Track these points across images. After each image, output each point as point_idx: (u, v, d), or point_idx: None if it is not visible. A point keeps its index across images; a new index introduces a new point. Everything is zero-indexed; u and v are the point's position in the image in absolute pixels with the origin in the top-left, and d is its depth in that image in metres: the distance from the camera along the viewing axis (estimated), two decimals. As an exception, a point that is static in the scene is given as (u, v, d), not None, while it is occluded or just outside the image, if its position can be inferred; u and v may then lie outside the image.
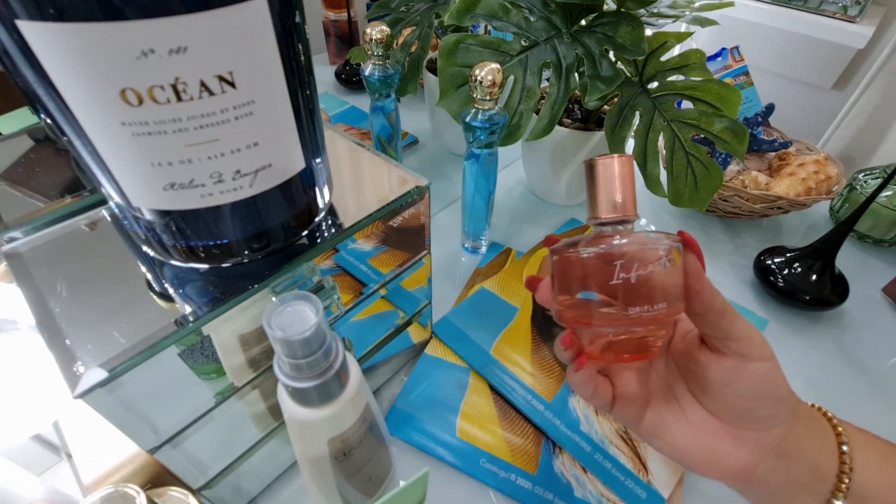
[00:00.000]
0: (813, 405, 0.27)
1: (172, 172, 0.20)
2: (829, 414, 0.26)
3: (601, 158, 0.24)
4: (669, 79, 0.48)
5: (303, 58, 0.22)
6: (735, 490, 0.26)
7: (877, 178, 0.61)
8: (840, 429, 0.25)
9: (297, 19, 0.21)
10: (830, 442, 0.25)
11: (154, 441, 0.26)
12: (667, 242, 0.22)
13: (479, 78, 0.41)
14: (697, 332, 0.26)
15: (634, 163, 0.25)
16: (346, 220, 0.30)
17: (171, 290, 0.25)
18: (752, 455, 0.24)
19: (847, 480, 0.24)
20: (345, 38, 0.89)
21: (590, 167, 0.24)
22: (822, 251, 0.51)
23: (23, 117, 0.33)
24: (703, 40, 1.15)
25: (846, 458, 0.24)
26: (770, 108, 0.63)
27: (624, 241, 0.22)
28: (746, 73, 0.65)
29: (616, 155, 0.23)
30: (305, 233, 0.28)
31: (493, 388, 0.44)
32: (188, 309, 0.24)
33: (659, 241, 0.22)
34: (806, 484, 0.24)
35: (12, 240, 0.28)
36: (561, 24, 0.47)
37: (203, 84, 0.18)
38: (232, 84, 0.19)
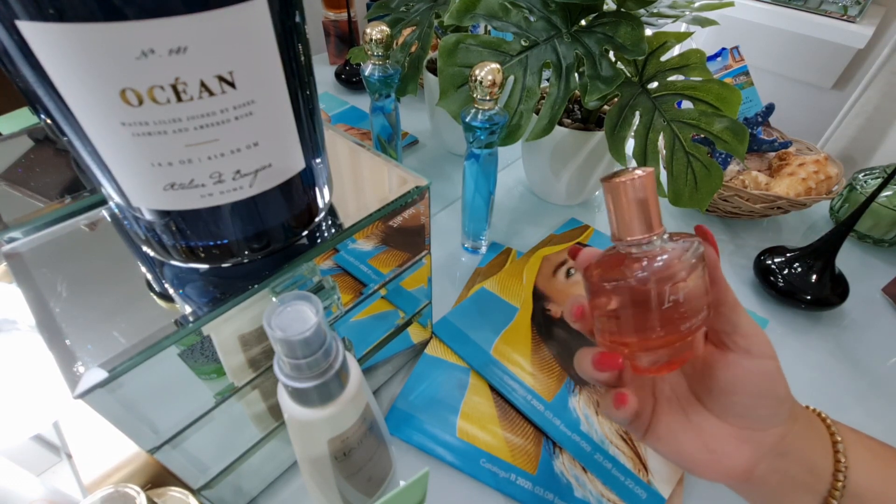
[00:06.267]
0: (807, 407, 0.27)
1: (172, 172, 0.20)
2: (824, 415, 0.27)
3: (621, 178, 0.22)
4: (669, 79, 0.48)
5: (303, 58, 0.22)
6: (735, 491, 0.26)
7: (877, 178, 0.61)
8: (834, 429, 0.26)
9: (297, 19, 0.21)
10: (826, 442, 0.25)
11: (154, 441, 0.26)
12: (695, 250, 0.22)
13: (479, 78, 0.41)
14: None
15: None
16: (346, 220, 0.30)
17: (171, 290, 0.25)
18: (752, 455, 0.25)
19: (842, 478, 0.24)
20: (345, 38, 0.89)
21: (612, 188, 0.22)
22: (822, 251, 0.51)
23: (23, 117, 0.33)
24: (703, 40, 1.15)
25: (841, 458, 0.24)
26: (770, 108, 0.63)
27: (660, 262, 0.22)
28: (746, 73, 0.65)
29: (636, 171, 0.22)
30: (305, 233, 0.28)
31: (493, 388, 0.44)
32: (188, 309, 0.24)
33: (688, 252, 0.22)
34: (804, 483, 0.25)
35: (12, 240, 0.28)
36: (561, 24, 0.47)
37: (203, 84, 0.18)
38: (232, 84, 0.19)
